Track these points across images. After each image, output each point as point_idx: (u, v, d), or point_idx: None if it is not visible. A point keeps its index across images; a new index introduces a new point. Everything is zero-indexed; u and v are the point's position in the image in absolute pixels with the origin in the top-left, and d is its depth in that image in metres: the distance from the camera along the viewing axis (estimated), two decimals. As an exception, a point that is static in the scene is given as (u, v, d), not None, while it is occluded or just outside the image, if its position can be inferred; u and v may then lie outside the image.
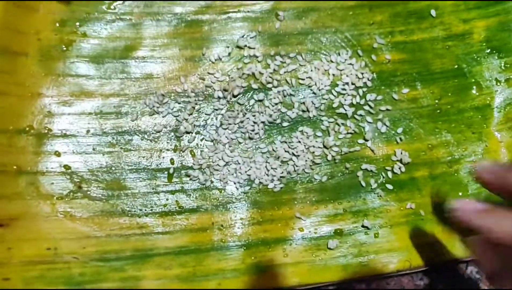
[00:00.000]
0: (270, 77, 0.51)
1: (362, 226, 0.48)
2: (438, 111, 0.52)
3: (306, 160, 0.49)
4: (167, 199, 0.47)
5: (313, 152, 0.50)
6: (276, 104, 0.51)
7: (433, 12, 0.54)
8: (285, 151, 0.50)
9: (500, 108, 0.52)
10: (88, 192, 0.47)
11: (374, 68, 0.53)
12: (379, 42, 0.53)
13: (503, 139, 0.51)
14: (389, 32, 0.53)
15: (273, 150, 0.50)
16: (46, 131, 0.47)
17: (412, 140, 0.51)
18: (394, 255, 0.47)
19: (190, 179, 0.48)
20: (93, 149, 0.48)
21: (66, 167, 0.47)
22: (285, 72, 0.52)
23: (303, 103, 0.51)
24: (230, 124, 0.50)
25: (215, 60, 0.51)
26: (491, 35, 0.54)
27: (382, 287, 0.47)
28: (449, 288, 0.48)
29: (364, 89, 0.52)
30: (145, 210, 0.47)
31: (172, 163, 0.48)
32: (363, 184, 0.49)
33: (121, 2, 0.51)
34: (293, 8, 0.53)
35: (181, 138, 0.49)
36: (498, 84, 0.53)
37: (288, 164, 0.49)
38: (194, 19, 0.52)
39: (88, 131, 0.48)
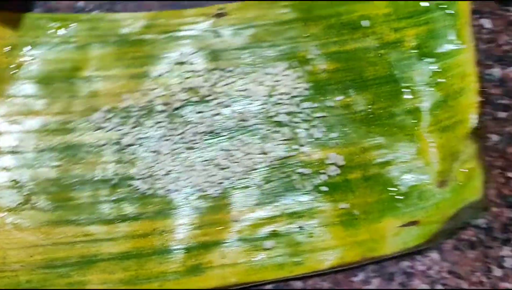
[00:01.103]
0: (209, 90, 0.54)
1: (298, 227, 0.51)
2: (371, 116, 0.55)
3: (244, 167, 0.52)
4: (110, 208, 0.50)
5: (251, 159, 0.53)
6: (215, 115, 0.54)
7: (365, 23, 0.57)
8: (224, 159, 0.53)
9: (431, 111, 0.55)
10: (36, 204, 0.50)
11: (309, 78, 0.56)
12: (314, 53, 0.56)
13: (433, 140, 0.54)
14: (324, 43, 0.57)
15: (212, 158, 0.53)
16: (-5, 148, 0.50)
17: (346, 144, 0.54)
18: (329, 253, 0.50)
19: (133, 189, 0.51)
20: (41, 164, 0.51)
21: (15, 181, 0.50)
22: (224, 85, 0.55)
23: (241, 113, 0.54)
24: (171, 135, 0.53)
25: (157, 76, 0.54)
26: (421, 42, 0.57)
27: (318, 284, 0.50)
28: (383, 284, 0.50)
29: (300, 98, 0.55)
30: (90, 219, 0.50)
31: (115, 174, 0.51)
32: (299, 187, 0.52)
33: (67, 27, 0.54)
34: (232, 25, 0.56)
35: (124, 150, 0.52)
36: (428, 88, 0.55)
37: (226, 171, 0.52)
38: (137, 39, 0.55)
39: (36, 147, 0.51)
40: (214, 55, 0.55)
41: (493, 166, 0.54)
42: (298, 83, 0.55)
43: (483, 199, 0.51)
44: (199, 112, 0.54)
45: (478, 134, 0.53)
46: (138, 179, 0.51)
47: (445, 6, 0.58)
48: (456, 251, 0.51)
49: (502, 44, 0.60)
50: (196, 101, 0.54)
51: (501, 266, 0.50)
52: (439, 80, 0.56)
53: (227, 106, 0.54)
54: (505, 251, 0.51)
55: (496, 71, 0.59)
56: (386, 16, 0.58)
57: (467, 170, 0.52)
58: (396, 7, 0.58)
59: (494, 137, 0.55)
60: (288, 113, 0.55)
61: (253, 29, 0.56)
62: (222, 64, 0.55)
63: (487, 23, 0.61)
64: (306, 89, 0.55)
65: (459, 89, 0.55)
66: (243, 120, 0.54)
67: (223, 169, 0.52)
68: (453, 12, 0.58)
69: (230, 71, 0.55)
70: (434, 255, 0.51)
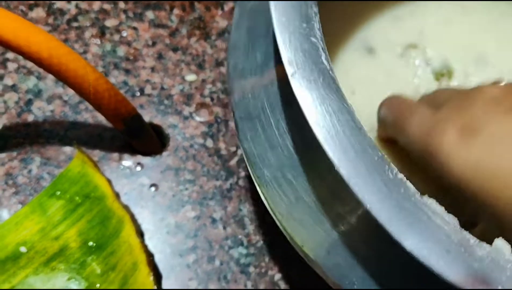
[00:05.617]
0: None
1: None
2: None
3: None
4: None
5: None
6: None
7: (23, 249, 0.58)
8: None
9: (116, 297, 0.57)
10: None
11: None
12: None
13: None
14: (-5, 285, 0.57)
15: None
16: None
17: None
18: None
19: None
20: None
21: None
22: None
23: None
24: None
25: None
26: (86, 236, 0.59)
27: None
28: None
29: None
30: None
31: None
32: None
33: None
34: None
35: None
36: (106, 276, 0.57)
37: None
38: None
39: None
40: None
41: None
42: None
43: None
44: None
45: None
46: None
47: (93, 194, 0.61)
48: None
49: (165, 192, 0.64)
50: None
51: None
52: (113, 263, 0.58)
53: None
54: None
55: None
56: (41, 231, 0.59)
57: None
58: (48, 218, 0.60)
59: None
60: None
61: None
62: None
63: (145, 179, 0.65)
64: None
65: (132, 265, 0.58)
66: None
67: None
68: (99, 195, 0.61)
69: None
70: None
